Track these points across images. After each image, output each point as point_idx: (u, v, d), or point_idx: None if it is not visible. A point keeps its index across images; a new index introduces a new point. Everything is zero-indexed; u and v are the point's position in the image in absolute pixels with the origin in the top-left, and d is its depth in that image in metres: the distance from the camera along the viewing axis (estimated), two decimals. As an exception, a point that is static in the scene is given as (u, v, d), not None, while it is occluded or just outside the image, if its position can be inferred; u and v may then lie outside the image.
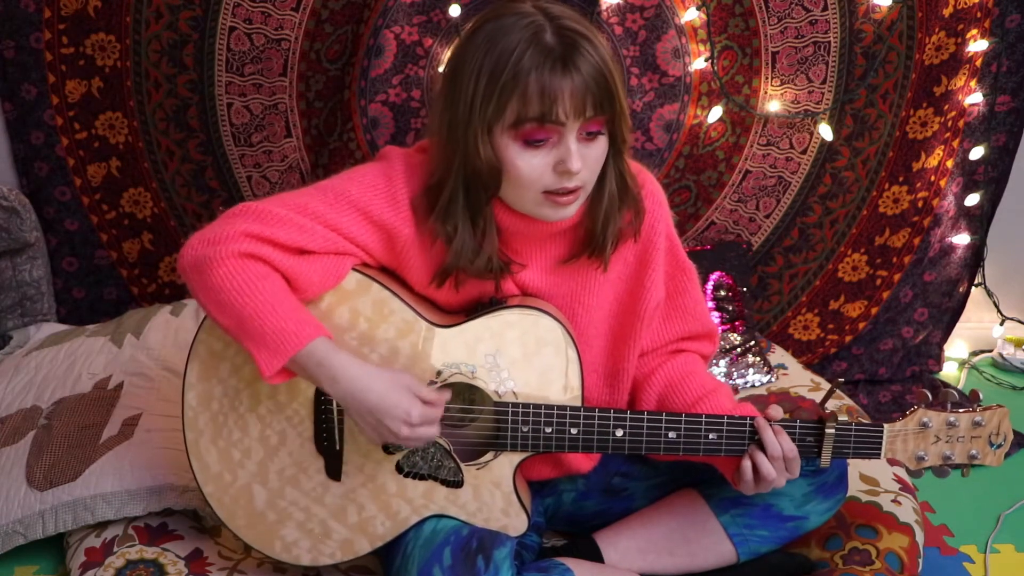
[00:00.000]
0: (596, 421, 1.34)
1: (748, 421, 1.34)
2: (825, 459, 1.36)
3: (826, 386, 2.04)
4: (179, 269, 1.27)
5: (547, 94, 1.17)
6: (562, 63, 1.18)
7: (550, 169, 1.23)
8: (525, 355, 1.34)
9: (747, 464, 1.33)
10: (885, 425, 1.36)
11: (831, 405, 1.94)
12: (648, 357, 1.49)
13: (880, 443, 1.36)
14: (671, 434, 1.35)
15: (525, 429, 1.34)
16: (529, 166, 1.22)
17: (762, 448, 1.32)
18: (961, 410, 1.36)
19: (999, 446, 1.37)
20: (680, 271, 1.47)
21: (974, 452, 1.37)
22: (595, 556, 1.44)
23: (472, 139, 1.22)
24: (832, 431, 1.34)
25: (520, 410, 1.34)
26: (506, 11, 1.22)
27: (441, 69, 1.27)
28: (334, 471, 1.36)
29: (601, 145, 1.25)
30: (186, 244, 1.26)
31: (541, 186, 1.24)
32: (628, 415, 1.35)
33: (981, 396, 1.39)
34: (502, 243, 1.35)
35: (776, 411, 1.35)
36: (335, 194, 1.30)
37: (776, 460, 1.32)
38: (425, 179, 1.31)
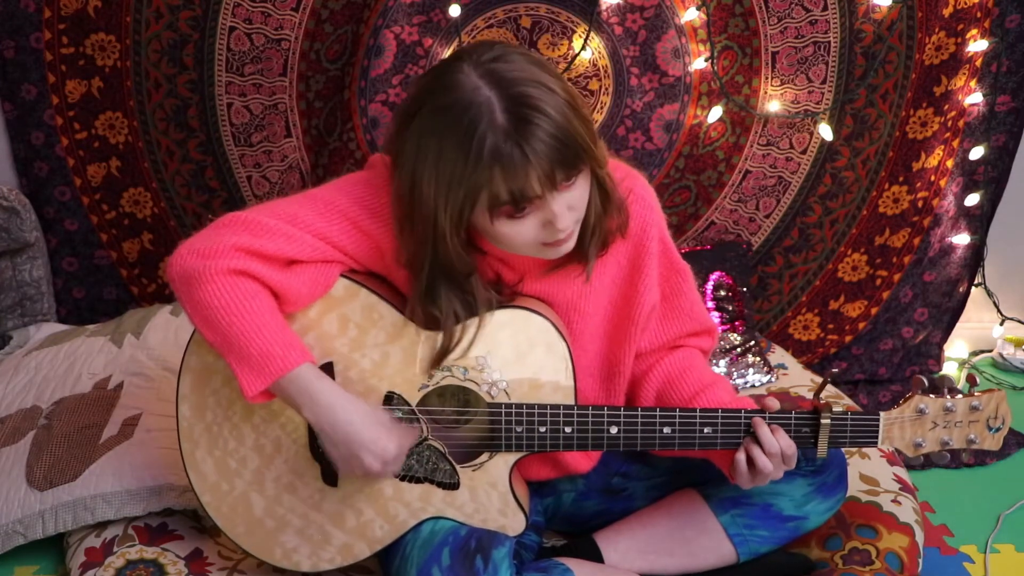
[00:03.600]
0: (590, 419, 1.34)
1: (743, 414, 1.33)
2: (822, 449, 1.35)
3: (827, 386, 2.04)
4: (168, 277, 1.27)
5: (513, 181, 1.14)
6: (519, 148, 1.12)
7: (540, 228, 1.21)
8: (517, 355, 1.34)
9: (741, 457, 1.32)
10: (881, 413, 1.34)
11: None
12: (646, 356, 1.49)
13: (877, 431, 1.35)
14: (666, 429, 1.34)
15: (519, 429, 1.34)
16: (517, 232, 1.21)
17: (758, 442, 1.32)
18: (958, 395, 1.34)
19: (998, 429, 1.36)
20: (674, 273, 1.46)
21: (972, 436, 1.35)
22: (595, 556, 1.44)
23: (442, 233, 1.19)
24: (827, 421, 1.33)
25: (513, 410, 1.34)
26: (450, 87, 1.15)
27: (386, 139, 1.25)
28: (331, 477, 1.36)
29: (582, 185, 1.22)
30: (175, 253, 1.26)
31: (534, 242, 1.23)
32: (622, 412, 1.34)
33: (978, 380, 1.36)
34: (496, 258, 1.35)
35: (773, 402, 1.34)
36: (324, 203, 1.29)
37: (773, 456, 1.31)
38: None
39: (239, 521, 1.38)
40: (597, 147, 1.21)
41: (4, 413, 1.80)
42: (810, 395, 1.99)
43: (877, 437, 1.35)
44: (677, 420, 1.34)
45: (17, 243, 2.09)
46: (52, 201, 2.17)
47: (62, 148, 2.14)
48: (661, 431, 1.34)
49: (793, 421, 1.34)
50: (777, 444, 1.31)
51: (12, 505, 1.56)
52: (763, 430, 1.31)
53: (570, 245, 1.26)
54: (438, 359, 1.31)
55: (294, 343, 1.25)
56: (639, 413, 1.34)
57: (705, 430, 1.34)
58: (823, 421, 1.33)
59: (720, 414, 1.33)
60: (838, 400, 1.98)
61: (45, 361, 1.94)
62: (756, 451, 1.31)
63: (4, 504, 1.57)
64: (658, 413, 1.34)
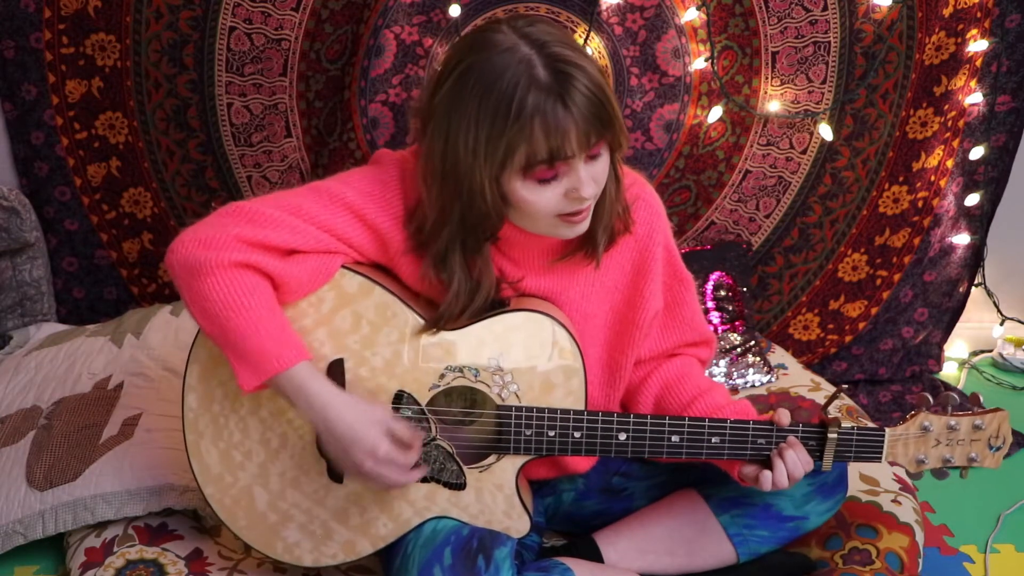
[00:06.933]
0: (599, 425, 1.35)
1: (751, 426, 1.35)
2: (827, 462, 1.37)
3: (826, 386, 2.04)
4: (167, 263, 1.27)
5: (554, 136, 1.16)
6: (562, 102, 1.15)
7: (562, 197, 1.23)
8: (529, 358, 1.34)
9: (767, 474, 1.34)
10: (887, 429, 1.37)
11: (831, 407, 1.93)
12: (645, 363, 1.50)
13: (881, 447, 1.37)
14: (674, 438, 1.35)
15: (528, 432, 1.34)
16: (543, 200, 1.22)
17: (782, 458, 1.34)
18: (962, 413, 1.36)
19: (998, 448, 1.38)
20: (678, 282, 1.48)
21: (973, 455, 1.38)
22: (595, 556, 1.44)
23: (478, 187, 1.21)
24: (835, 436, 1.35)
25: (523, 414, 1.34)
26: (488, 45, 1.19)
27: (418, 103, 1.28)
28: (336, 473, 1.36)
29: (604, 160, 1.24)
30: (177, 240, 1.26)
31: (555, 213, 1.24)
32: (632, 419, 1.35)
33: (982, 399, 1.39)
34: (500, 249, 1.35)
35: (783, 416, 1.36)
36: (330, 196, 1.30)
37: (795, 480, 1.34)
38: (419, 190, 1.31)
39: (241, 514, 1.38)
40: (623, 124, 1.23)
41: (4, 413, 1.80)
42: (810, 395, 1.99)
43: (881, 453, 1.38)
44: (686, 429, 1.35)
45: (17, 243, 2.09)
46: (52, 201, 2.17)
47: (62, 148, 2.14)
48: (669, 439, 1.35)
49: (800, 435, 1.36)
50: (801, 469, 1.34)
51: (12, 505, 1.56)
52: (789, 454, 1.34)
53: (585, 225, 1.28)
54: (433, 323, 1.32)
55: (291, 341, 1.25)
56: (648, 420, 1.35)
57: (713, 439, 1.35)
58: (830, 436, 1.35)
59: (729, 424, 1.35)
60: (839, 400, 1.98)
61: (45, 361, 1.94)
62: (780, 469, 1.33)
63: (4, 504, 1.57)
64: (667, 421, 1.35)
